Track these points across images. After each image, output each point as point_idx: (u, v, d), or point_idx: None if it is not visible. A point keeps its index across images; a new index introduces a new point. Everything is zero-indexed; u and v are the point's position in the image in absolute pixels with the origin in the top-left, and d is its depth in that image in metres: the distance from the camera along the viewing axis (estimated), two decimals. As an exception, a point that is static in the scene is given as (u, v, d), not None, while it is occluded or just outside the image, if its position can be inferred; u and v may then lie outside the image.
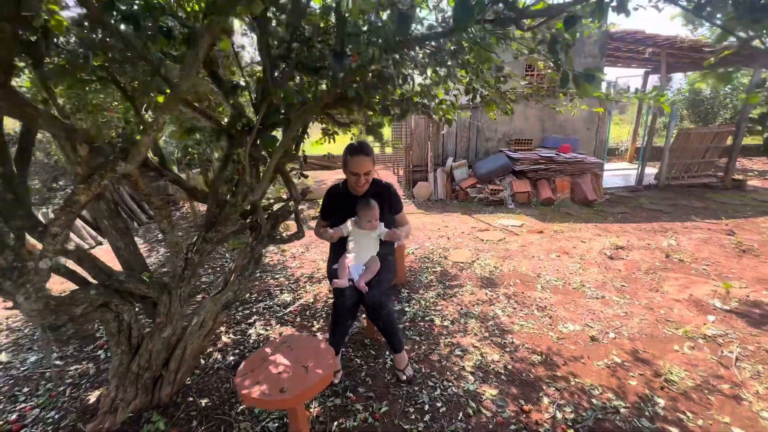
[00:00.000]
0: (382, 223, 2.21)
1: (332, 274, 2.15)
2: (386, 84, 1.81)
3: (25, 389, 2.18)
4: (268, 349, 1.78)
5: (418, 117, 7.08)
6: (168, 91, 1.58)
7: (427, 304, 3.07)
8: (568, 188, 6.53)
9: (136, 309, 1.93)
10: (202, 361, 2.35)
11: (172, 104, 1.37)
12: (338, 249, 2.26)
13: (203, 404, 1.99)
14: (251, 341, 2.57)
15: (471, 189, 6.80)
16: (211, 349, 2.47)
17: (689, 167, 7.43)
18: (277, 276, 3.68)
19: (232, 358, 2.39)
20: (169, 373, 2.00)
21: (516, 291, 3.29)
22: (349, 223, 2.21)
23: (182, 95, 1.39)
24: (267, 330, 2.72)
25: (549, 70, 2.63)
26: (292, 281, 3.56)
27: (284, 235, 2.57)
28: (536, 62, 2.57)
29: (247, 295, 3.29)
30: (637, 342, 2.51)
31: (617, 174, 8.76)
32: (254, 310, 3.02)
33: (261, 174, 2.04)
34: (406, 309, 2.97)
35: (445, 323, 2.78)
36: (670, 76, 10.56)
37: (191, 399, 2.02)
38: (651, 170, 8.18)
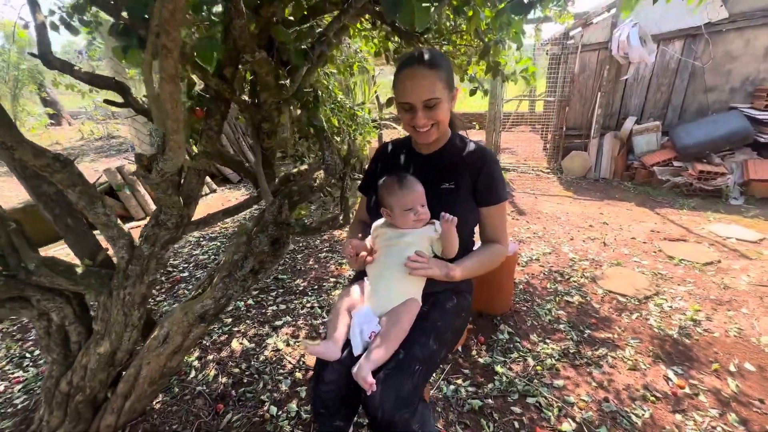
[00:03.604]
0: (436, 222, 1.04)
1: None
2: None
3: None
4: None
5: (587, 53, 4.93)
6: None
7: (540, 367, 1.76)
8: None
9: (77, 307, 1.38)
10: (190, 374, 1.77)
11: None
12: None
13: (149, 453, 1.38)
14: (261, 359, 1.87)
15: (660, 167, 4.46)
16: (210, 357, 1.88)
17: None
18: (343, 261, 2.90)
19: (223, 380, 1.73)
20: (115, 398, 1.45)
21: (744, 391, 1.61)
22: (379, 221, 1.13)
23: None
24: (289, 345, 1.97)
25: None
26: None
27: (311, 220, 1.67)
28: None
29: (299, 281, 2.62)
30: None
31: None
32: (292, 306, 2.32)
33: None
34: (498, 369, 1.75)
35: (566, 427, 1.46)
36: None
37: (138, 440, 1.44)
38: None
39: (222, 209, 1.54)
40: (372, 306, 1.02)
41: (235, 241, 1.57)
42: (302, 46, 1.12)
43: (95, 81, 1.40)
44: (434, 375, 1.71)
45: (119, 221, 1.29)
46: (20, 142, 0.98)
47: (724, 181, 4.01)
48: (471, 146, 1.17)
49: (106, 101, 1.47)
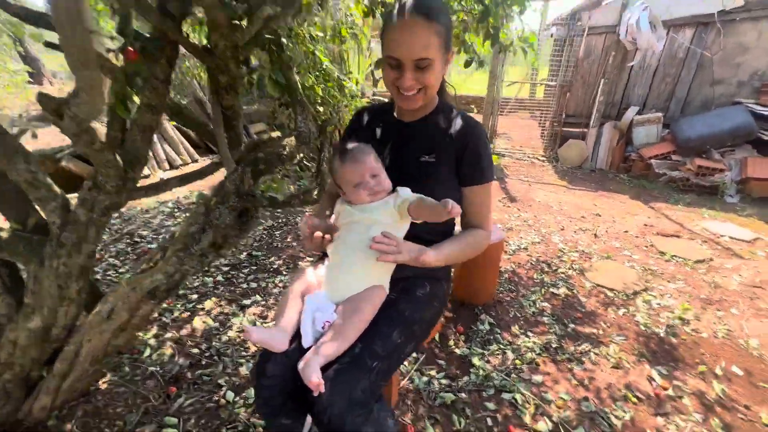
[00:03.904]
0: (405, 190, 0.90)
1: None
2: None
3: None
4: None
5: (593, 36, 4.71)
6: None
7: (519, 361, 1.66)
8: None
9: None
10: (145, 352, 1.63)
11: None
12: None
13: (88, 438, 1.26)
14: (224, 339, 1.74)
15: (658, 161, 4.35)
16: (168, 335, 1.74)
17: None
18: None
19: (180, 361, 1.60)
20: (51, 378, 1.31)
21: (730, 395, 1.53)
22: (337, 207, 0.98)
23: None
24: (255, 326, 1.84)
25: None
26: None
27: (278, 192, 1.53)
28: None
29: (274, 258, 2.48)
30: None
31: None
32: (264, 284, 2.18)
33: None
34: (475, 361, 1.65)
35: (542, 427, 1.37)
36: None
37: (78, 424, 1.31)
38: None
39: (178, 175, 1.37)
40: (329, 291, 0.88)
41: (191, 212, 1.40)
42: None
43: (31, 17, 1.21)
44: (406, 365, 1.60)
45: (49, 180, 1.11)
46: None
47: (722, 178, 3.91)
48: (459, 119, 1.01)
49: (47, 44, 1.27)
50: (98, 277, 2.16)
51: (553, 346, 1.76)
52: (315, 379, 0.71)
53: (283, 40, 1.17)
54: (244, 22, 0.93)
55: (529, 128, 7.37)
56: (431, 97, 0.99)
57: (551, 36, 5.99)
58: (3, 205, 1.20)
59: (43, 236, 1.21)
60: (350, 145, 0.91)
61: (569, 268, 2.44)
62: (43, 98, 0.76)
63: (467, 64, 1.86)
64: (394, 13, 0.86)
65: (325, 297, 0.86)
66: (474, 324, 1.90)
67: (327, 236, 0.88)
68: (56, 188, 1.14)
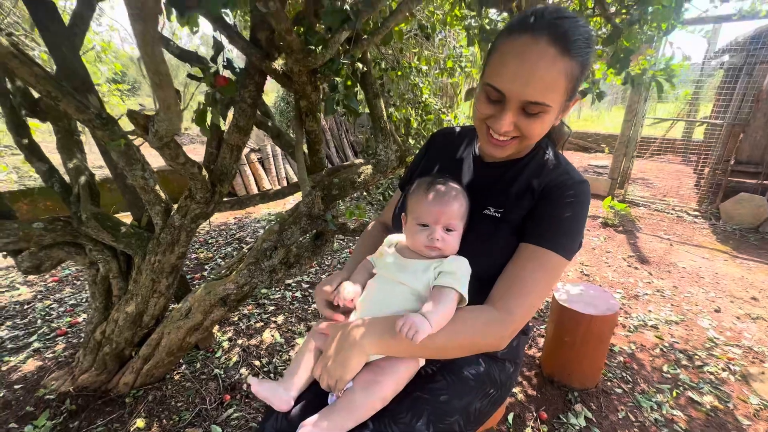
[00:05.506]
0: (460, 265, 0.70)
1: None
2: None
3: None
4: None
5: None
6: None
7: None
8: None
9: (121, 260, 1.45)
10: (217, 352, 1.74)
11: None
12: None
13: (152, 428, 1.37)
14: (285, 358, 1.75)
15: None
16: (240, 341, 1.84)
17: None
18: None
19: (242, 370, 1.66)
20: (137, 359, 1.48)
21: None
22: (387, 242, 0.84)
23: None
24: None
25: None
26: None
27: (347, 221, 1.50)
28: None
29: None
30: None
31: None
32: (335, 309, 2.16)
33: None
34: (556, 467, 1.26)
35: None
36: None
37: (145, 408, 1.44)
38: None
39: (259, 193, 1.46)
40: None
41: (267, 229, 1.46)
42: (344, 5, 0.92)
43: (185, 55, 1.44)
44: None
45: (158, 187, 1.29)
46: (65, 95, 1.00)
47: None
48: (552, 166, 0.76)
49: (190, 76, 1.51)
50: (205, 273, 2.47)
51: (684, 480, 1.24)
52: None
53: (359, 65, 1.14)
54: (319, 48, 0.92)
55: (679, 175, 6.03)
56: (526, 148, 0.77)
57: (721, 66, 4.88)
58: (133, 204, 1.46)
59: (152, 234, 1.41)
60: (449, 180, 0.76)
61: (723, 369, 1.76)
62: (132, 115, 0.86)
63: (583, 95, 1.56)
64: (516, 24, 0.63)
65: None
66: (563, 413, 1.49)
67: (341, 318, 0.76)
68: (162, 194, 1.32)
